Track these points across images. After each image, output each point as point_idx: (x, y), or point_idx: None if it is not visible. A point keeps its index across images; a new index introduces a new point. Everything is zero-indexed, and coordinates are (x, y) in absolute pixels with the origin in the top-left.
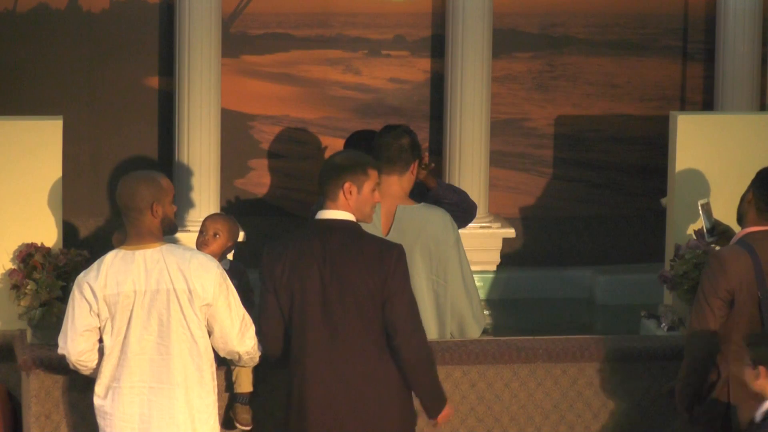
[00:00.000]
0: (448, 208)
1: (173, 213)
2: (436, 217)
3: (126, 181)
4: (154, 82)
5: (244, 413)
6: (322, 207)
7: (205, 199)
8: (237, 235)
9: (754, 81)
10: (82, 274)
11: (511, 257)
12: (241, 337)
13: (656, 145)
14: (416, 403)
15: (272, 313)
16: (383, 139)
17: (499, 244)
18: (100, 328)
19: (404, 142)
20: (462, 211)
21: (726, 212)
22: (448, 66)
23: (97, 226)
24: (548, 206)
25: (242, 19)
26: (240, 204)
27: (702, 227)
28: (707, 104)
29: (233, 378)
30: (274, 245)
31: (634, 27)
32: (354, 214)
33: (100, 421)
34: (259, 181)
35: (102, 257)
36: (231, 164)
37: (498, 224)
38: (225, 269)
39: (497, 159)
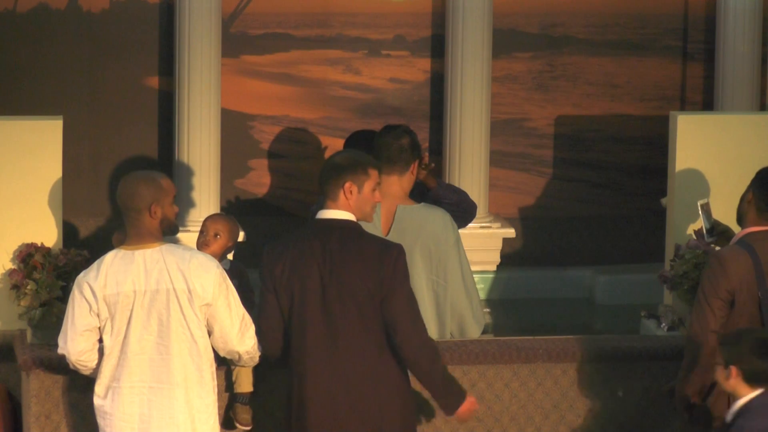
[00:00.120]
0: (448, 208)
1: (174, 214)
2: (436, 217)
3: (126, 181)
4: (154, 82)
5: (244, 413)
6: (322, 207)
7: (205, 199)
8: (237, 236)
9: (754, 81)
10: (81, 274)
11: (511, 257)
12: (241, 337)
13: (656, 145)
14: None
15: (272, 312)
16: (383, 139)
17: (499, 244)
18: (99, 327)
19: (404, 142)
20: (462, 211)
21: (726, 212)
22: (448, 66)
23: (97, 226)
24: (548, 206)
25: (242, 19)
26: (240, 204)
27: (701, 227)
28: (707, 104)
29: (233, 378)
30: (275, 245)
31: (634, 27)
32: (354, 214)
33: (100, 421)
34: (259, 181)
35: (102, 257)
36: (231, 164)
37: (498, 224)
38: (225, 269)
39: (497, 159)
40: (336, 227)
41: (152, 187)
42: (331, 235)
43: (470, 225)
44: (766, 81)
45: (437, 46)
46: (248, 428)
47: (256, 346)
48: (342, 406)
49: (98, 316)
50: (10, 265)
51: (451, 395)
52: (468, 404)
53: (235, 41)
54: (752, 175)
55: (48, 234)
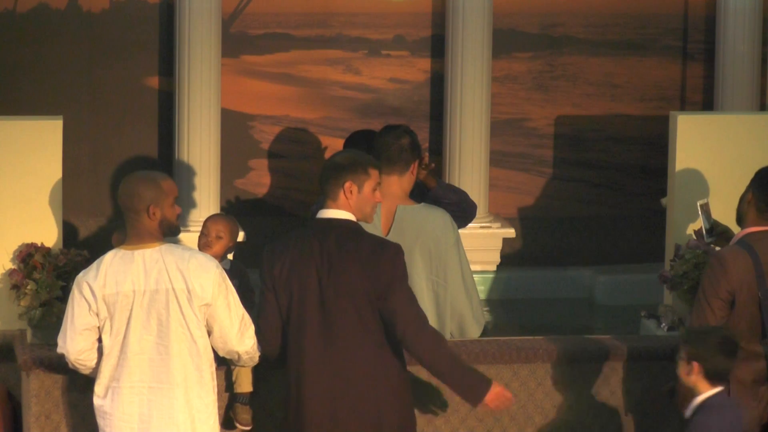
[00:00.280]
0: (448, 208)
1: (175, 215)
2: (436, 217)
3: (127, 181)
4: (154, 82)
5: (244, 413)
6: (322, 207)
7: (205, 199)
8: (237, 235)
9: (754, 81)
10: (81, 274)
11: (511, 257)
12: (241, 337)
13: (656, 145)
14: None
15: (271, 311)
16: (383, 139)
17: (499, 244)
18: (99, 327)
19: (404, 142)
20: (462, 211)
21: (725, 212)
22: (448, 66)
23: (97, 226)
24: (548, 206)
25: (242, 19)
26: (240, 204)
27: (701, 227)
28: (707, 104)
29: (233, 378)
30: (275, 245)
31: (634, 27)
32: (354, 214)
33: (99, 420)
34: (259, 181)
35: (101, 257)
36: (231, 164)
37: (498, 224)
38: (225, 269)
39: (497, 159)
40: (335, 227)
41: (152, 188)
42: (330, 234)
43: (470, 225)
44: (766, 81)
45: (437, 46)
46: (248, 428)
47: (255, 346)
48: (340, 406)
49: (97, 315)
50: (10, 265)
51: (473, 385)
52: (494, 393)
53: (235, 41)
54: (752, 175)
55: (48, 234)
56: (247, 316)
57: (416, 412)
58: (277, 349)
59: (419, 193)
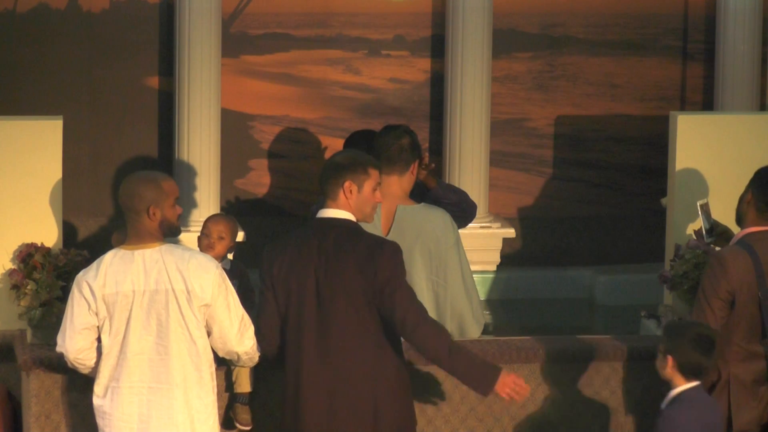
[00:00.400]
0: (447, 208)
1: (176, 216)
2: (436, 218)
3: (127, 181)
4: (154, 82)
5: (244, 413)
6: (322, 207)
7: (205, 199)
8: (237, 235)
9: (754, 81)
10: (81, 273)
11: (511, 257)
12: (240, 338)
13: (656, 145)
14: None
15: (269, 310)
16: (383, 139)
17: (499, 244)
18: (98, 327)
19: (404, 142)
20: (462, 211)
21: (725, 212)
22: (448, 66)
23: (98, 226)
24: (548, 206)
25: (242, 19)
26: (240, 204)
27: (701, 227)
28: (707, 104)
29: (233, 378)
30: (275, 244)
31: (634, 27)
32: (354, 214)
33: (99, 420)
34: (259, 181)
35: (101, 256)
36: (231, 164)
37: (498, 224)
38: (226, 269)
39: (497, 159)
40: (334, 226)
41: (152, 188)
42: (328, 234)
43: (470, 225)
44: (766, 81)
45: (437, 46)
46: (248, 428)
47: (255, 347)
48: (338, 404)
49: (97, 315)
50: (10, 265)
51: (481, 373)
52: (504, 381)
53: (235, 41)
54: (752, 175)
55: (48, 234)
56: (246, 317)
57: (416, 412)
58: (276, 349)
59: (419, 193)
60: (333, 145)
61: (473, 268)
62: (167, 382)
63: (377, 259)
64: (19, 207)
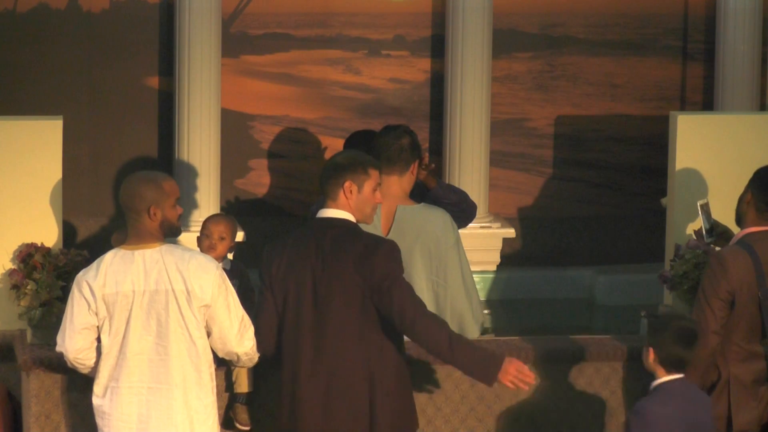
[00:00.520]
0: (447, 208)
1: (176, 216)
2: (436, 218)
3: (128, 181)
4: (154, 82)
5: (243, 413)
6: (322, 207)
7: (205, 199)
8: (236, 234)
9: (754, 81)
10: (81, 273)
11: (511, 257)
12: (240, 339)
13: (656, 145)
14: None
15: (268, 310)
16: (383, 139)
17: (499, 244)
18: (98, 326)
19: (404, 143)
20: (462, 211)
21: (725, 212)
22: (448, 66)
23: (97, 226)
24: (548, 206)
25: (242, 19)
26: (240, 204)
27: (701, 227)
28: (707, 104)
29: (233, 378)
30: (274, 244)
31: (634, 27)
32: (354, 215)
33: (98, 420)
34: (259, 181)
35: (102, 256)
36: (231, 164)
37: (498, 224)
38: (226, 269)
39: (497, 159)
40: (332, 226)
41: (153, 188)
42: (326, 233)
43: (470, 225)
44: (766, 81)
45: (437, 46)
46: (248, 428)
47: (254, 348)
48: (334, 405)
49: (96, 314)
50: (10, 265)
51: (483, 363)
52: (506, 369)
53: (235, 41)
54: (751, 175)
55: (48, 234)
56: (246, 318)
57: (416, 412)
58: (273, 348)
59: (419, 193)
60: (333, 145)
61: (473, 268)
62: (166, 382)
63: (374, 257)
64: (19, 207)
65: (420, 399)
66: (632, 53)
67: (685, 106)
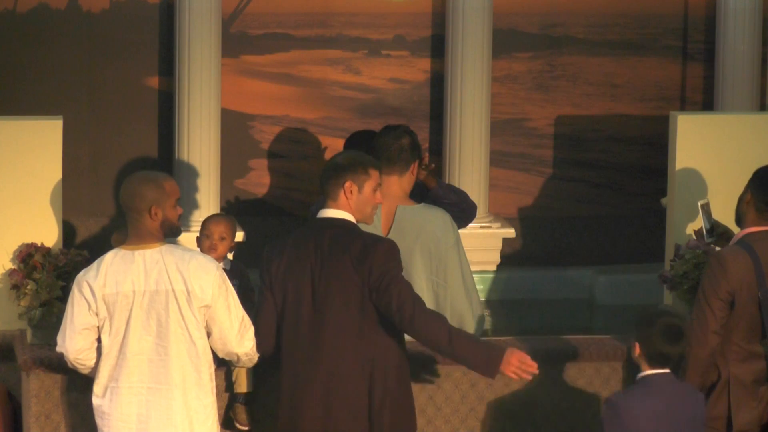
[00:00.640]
0: (447, 208)
1: (177, 216)
2: (436, 218)
3: (129, 181)
4: (154, 82)
5: (243, 413)
6: (322, 207)
7: (205, 199)
8: (236, 234)
9: (754, 81)
10: (81, 273)
11: (511, 257)
12: (240, 339)
13: (656, 145)
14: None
15: (267, 310)
16: (383, 139)
17: (499, 244)
18: (98, 327)
19: (404, 143)
20: (462, 211)
21: (725, 212)
22: (448, 66)
23: (98, 226)
24: (548, 206)
25: (242, 19)
26: (240, 204)
27: (701, 227)
28: (707, 104)
29: (233, 378)
30: (274, 244)
31: (634, 27)
32: (354, 215)
33: (98, 420)
34: (259, 181)
35: (102, 256)
36: (231, 164)
37: (498, 224)
38: (226, 269)
39: (497, 159)
40: (331, 226)
41: (153, 188)
42: (326, 233)
43: (470, 225)
44: (766, 81)
45: (437, 46)
46: (247, 428)
47: (255, 348)
48: (334, 404)
49: (97, 315)
50: (10, 265)
51: (484, 356)
52: (508, 360)
53: (235, 41)
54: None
55: (48, 234)
56: (246, 318)
57: (416, 412)
58: (272, 348)
59: (419, 193)
60: (333, 145)
61: (473, 268)
62: (166, 382)
63: (372, 256)
64: (19, 207)
65: (420, 399)
66: (632, 53)
67: (685, 106)
